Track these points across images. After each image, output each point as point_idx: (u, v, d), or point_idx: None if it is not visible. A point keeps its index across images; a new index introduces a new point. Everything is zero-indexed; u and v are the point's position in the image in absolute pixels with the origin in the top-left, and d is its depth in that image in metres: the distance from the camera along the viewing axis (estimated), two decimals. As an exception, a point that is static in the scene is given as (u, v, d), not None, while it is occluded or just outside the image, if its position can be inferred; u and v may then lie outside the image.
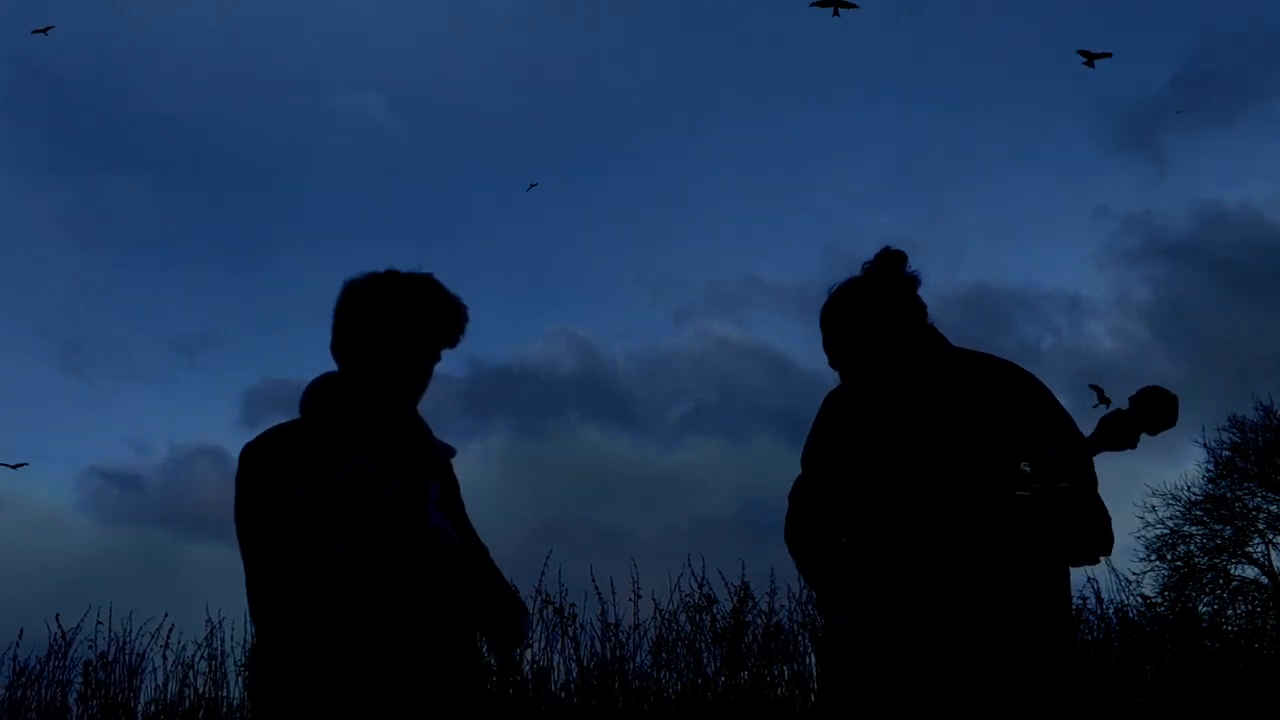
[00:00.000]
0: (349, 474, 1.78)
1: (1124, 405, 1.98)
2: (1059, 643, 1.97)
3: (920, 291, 2.24)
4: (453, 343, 1.95)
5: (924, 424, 2.09)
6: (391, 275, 1.92)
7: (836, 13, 6.88)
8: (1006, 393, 2.11)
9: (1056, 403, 2.16)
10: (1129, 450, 1.99)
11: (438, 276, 1.94)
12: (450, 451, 2.03)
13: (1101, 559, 2.09)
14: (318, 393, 1.91)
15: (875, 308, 2.18)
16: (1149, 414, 1.94)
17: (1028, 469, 1.87)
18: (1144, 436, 1.97)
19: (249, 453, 1.81)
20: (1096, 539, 2.04)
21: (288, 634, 1.72)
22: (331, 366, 1.96)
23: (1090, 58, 7.13)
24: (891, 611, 1.98)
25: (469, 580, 1.88)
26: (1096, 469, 2.09)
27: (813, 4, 6.84)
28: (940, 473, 2.02)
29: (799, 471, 2.31)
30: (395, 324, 1.87)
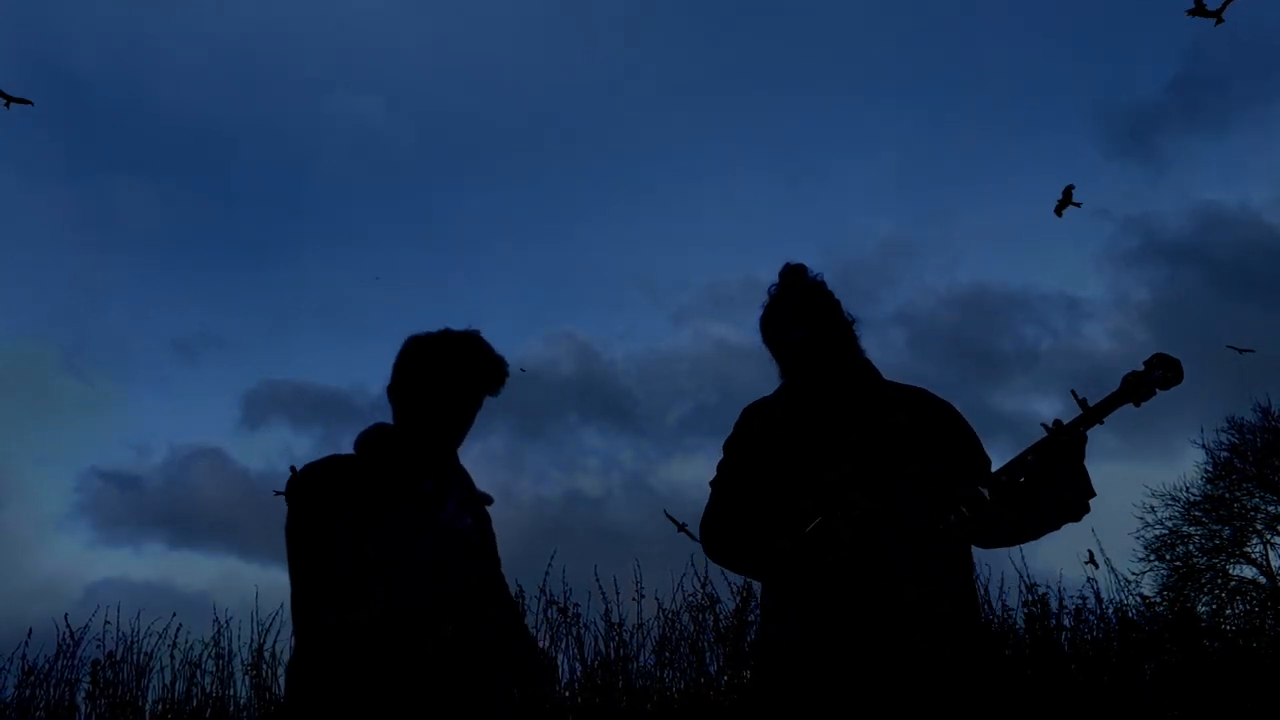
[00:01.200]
0: (394, 519, 1.98)
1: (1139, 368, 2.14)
2: (956, 620, 2.06)
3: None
4: (495, 393, 2.20)
5: (841, 437, 2.18)
6: (445, 334, 2.18)
7: None
8: (931, 423, 2.22)
9: (976, 439, 2.26)
10: (1144, 403, 2.13)
11: (483, 334, 2.20)
12: (488, 500, 2.25)
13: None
14: (373, 438, 2.13)
15: (811, 337, 2.28)
16: (1164, 370, 2.11)
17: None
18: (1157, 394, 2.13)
19: (304, 477, 2.01)
20: (1070, 509, 2.14)
21: (327, 636, 1.88)
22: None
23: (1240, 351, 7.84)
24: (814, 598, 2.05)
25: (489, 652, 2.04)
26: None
27: None
28: (846, 476, 2.12)
29: (720, 473, 2.36)
30: (448, 378, 2.12)
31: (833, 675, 1.99)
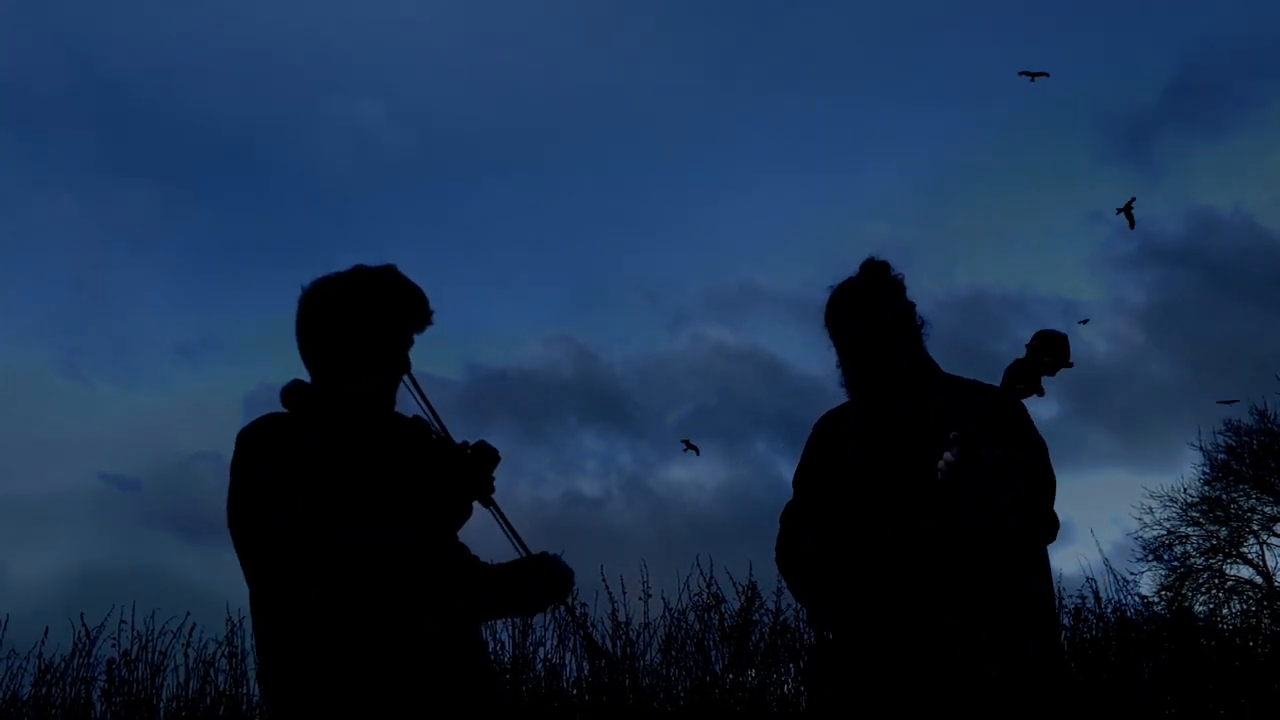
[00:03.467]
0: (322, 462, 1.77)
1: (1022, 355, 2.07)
2: (1039, 666, 1.96)
3: (915, 296, 2.26)
4: (420, 328, 1.97)
5: (908, 443, 2.09)
6: (357, 270, 1.94)
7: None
8: (981, 411, 2.10)
9: (1029, 422, 2.18)
10: (1037, 396, 2.07)
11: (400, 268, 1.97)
12: (421, 424, 1.99)
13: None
14: (297, 393, 1.91)
15: (875, 307, 2.20)
16: (1045, 354, 2.04)
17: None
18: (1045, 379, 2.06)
19: (240, 437, 1.82)
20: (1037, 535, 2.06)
21: (276, 548, 1.69)
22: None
23: (1032, 76, 8.07)
24: (871, 626, 1.99)
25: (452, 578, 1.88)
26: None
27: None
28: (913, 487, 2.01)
29: (797, 472, 2.33)
30: (369, 314, 1.89)
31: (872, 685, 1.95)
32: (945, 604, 1.94)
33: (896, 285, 2.25)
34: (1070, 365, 2.06)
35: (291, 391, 1.92)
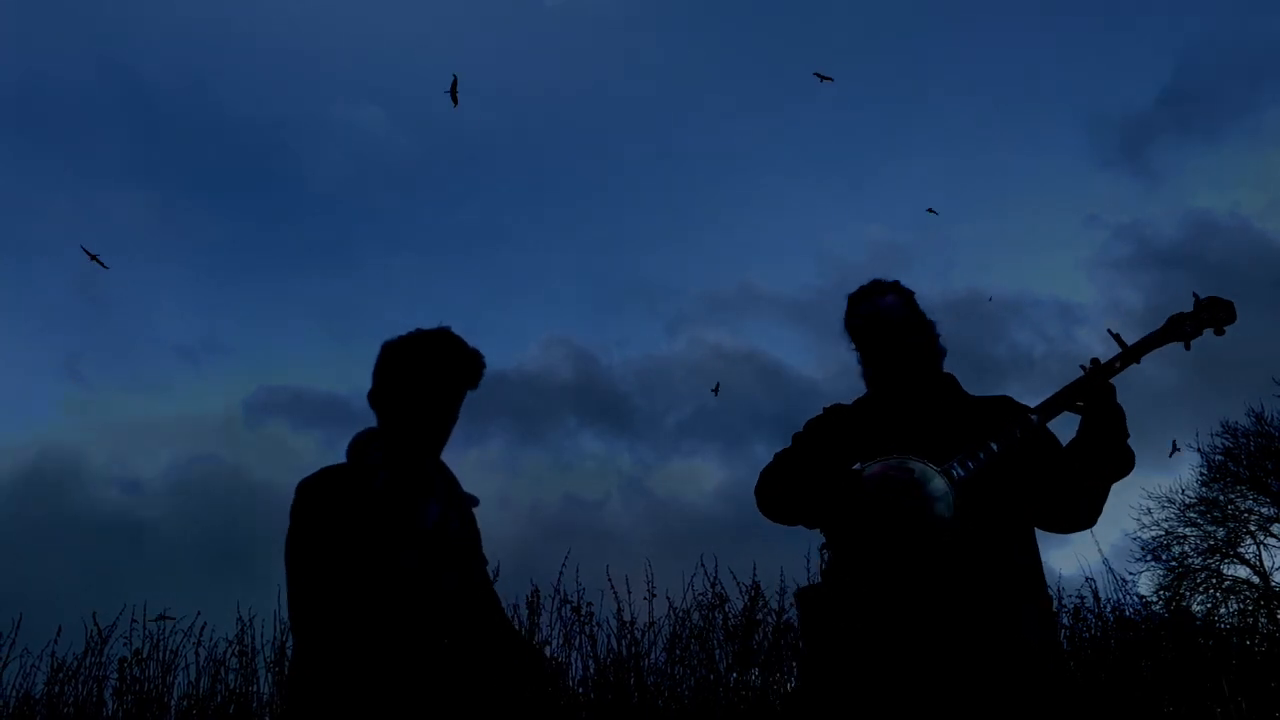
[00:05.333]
0: (387, 529, 2.01)
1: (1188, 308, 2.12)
2: (1042, 651, 1.94)
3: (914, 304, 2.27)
4: (474, 386, 2.21)
5: (919, 437, 2.08)
6: (418, 334, 2.19)
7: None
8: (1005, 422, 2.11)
9: (1053, 437, 2.15)
10: (1183, 347, 2.09)
11: (453, 329, 2.22)
12: (474, 502, 2.25)
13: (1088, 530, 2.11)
14: (362, 444, 2.16)
15: (915, 323, 2.21)
16: (1213, 310, 2.07)
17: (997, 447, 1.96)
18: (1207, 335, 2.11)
19: (300, 492, 2.04)
20: (1114, 465, 2.05)
21: (327, 650, 1.90)
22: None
23: (821, 78, 8.96)
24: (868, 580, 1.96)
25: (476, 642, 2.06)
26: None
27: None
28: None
29: (798, 433, 2.30)
30: (427, 377, 2.14)
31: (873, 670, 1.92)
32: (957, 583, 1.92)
33: (913, 298, 2.28)
34: (1223, 333, 2.10)
35: (361, 441, 2.17)
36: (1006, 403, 2.22)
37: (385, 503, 2.02)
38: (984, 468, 1.99)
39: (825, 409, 2.34)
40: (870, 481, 2.01)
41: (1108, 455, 2.03)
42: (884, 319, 2.22)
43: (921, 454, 2.03)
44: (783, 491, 2.20)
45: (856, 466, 2.07)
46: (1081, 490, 2.07)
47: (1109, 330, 2.04)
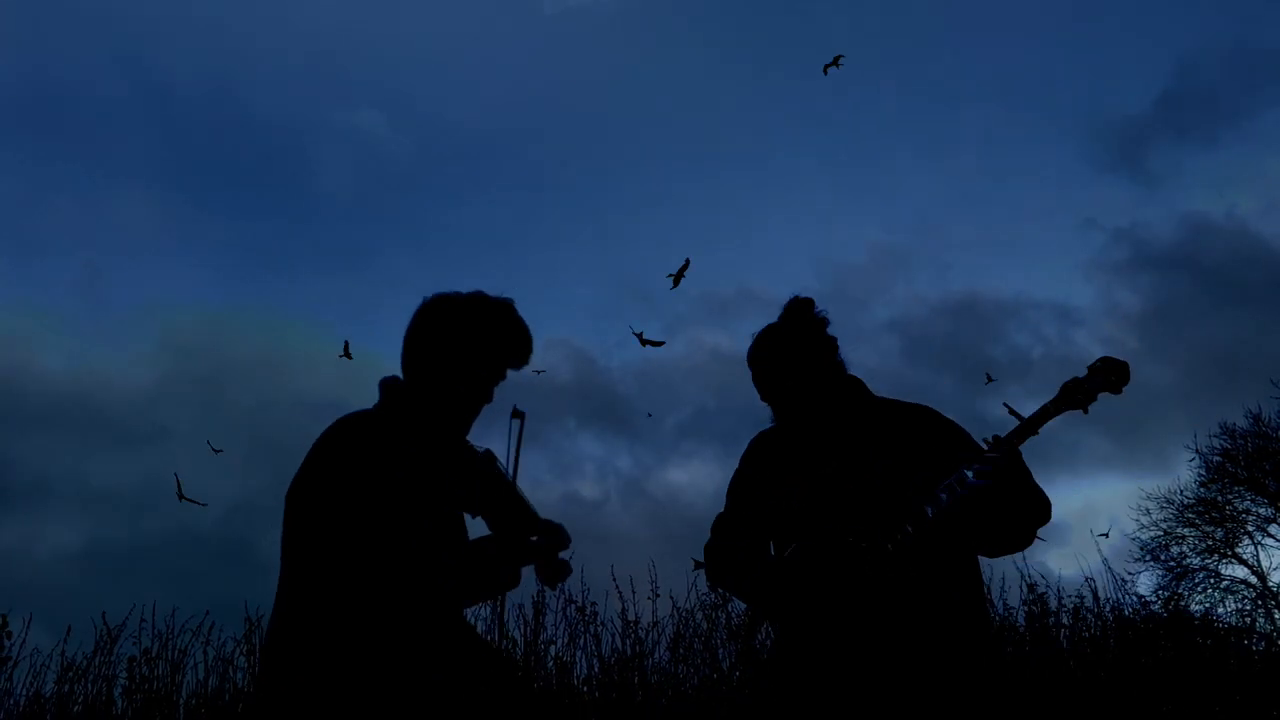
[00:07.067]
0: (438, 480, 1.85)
1: (1081, 374, 2.13)
2: (962, 624, 2.06)
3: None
4: (519, 366, 2.04)
5: (842, 460, 2.19)
6: (478, 296, 2.00)
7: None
8: (924, 435, 2.21)
9: (964, 433, 2.25)
10: (1081, 413, 2.11)
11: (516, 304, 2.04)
12: (491, 459, 2.08)
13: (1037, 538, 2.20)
14: (396, 392, 1.95)
15: (795, 361, 2.28)
16: (1106, 374, 2.09)
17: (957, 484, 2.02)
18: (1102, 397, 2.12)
19: (343, 431, 1.83)
20: (1031, 521, 2.13)
21: (422, 604, 1.73)
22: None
23: (831, 63, 8.70)
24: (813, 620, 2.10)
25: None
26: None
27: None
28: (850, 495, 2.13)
29: (730, 485, 2.43)
30: (478, 340, 1.95)
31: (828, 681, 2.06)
32: (898, 607, 2.04)
33: (817, 325, 2.31)
34: (1120, 393, 2.11)
35: (390, 383, 1.97)
36: (927, 414, 2.28)
37: (417, 474, 1.81)
38: (925, 533, 2.06)
39: (752, 440, 2.44)
40: (795, 568, 2.15)
41: (1019, 520, 2.12)
42: (757, 365, 2.34)
43: (842, 473, 2.17)
44: (721, 581, 2.40)
45: (787, 552, 2.18)
46: (1003, 540, 2.17)
47: (1005, 405, 2.10)
